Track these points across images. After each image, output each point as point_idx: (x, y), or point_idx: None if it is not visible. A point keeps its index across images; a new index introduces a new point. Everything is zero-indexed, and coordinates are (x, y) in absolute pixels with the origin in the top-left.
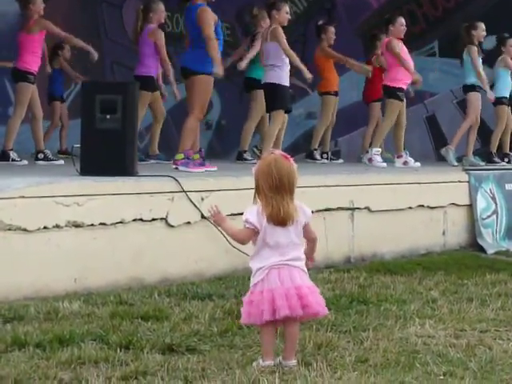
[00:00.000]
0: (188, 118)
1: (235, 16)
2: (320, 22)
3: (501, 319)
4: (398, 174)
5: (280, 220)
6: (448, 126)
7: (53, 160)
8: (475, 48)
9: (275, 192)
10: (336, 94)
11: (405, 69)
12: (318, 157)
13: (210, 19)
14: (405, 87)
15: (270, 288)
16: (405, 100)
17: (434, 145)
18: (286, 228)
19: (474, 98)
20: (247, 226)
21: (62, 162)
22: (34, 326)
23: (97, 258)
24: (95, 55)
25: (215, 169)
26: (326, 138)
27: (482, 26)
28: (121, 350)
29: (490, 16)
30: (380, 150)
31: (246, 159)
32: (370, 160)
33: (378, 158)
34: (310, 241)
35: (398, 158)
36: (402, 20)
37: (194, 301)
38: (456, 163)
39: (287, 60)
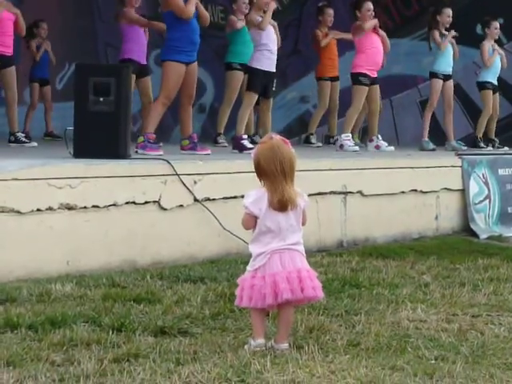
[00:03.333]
0: (154, 102)
1: None
2: (320, 4)
3: (493, 304)
4: (390, 159)
5: (282, 205)
6: (441, 110)
7: (24, 142)
8: (436, 32)
9: (277, 177)
10: (333, 79)
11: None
12: (314, 141)
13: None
14: (369, 73)
15: (272, 273)
16: (377, 87)
17: None
18: (286, 212)
19: (435, 84)
20: (247, 212)
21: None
22: (27, 308)
23: (89, 240)
24: None
25: (208, 152)
26: (332, 123)
27: (448, 11)
28: (113, 333)
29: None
30: (349, 135)
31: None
32: (341, 146)
33: (349, 143)
34: (303, 219)
35: (369, 141)
36: (369, 5)
37: (187, 284)
38: (432, 146)
39: (269, 45)
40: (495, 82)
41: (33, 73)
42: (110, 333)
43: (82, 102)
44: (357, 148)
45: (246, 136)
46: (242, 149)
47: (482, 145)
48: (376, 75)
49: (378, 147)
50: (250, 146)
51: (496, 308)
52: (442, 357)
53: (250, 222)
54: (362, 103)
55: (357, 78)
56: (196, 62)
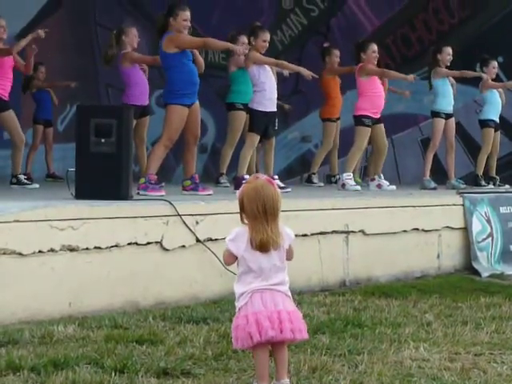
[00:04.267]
0: (156, 144)
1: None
2: (325, 45)
3: (495, 342)
4: (392, 198)
5: (263, 245)
6: (442, 149)
7: (26, 184)
8: (439, 68)
9: (259, 217)
10: (337, 119)
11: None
12: (316, 180)
13: (179, 34)
14: (373, 115)
15: (254, 311)
16: (382, 126)
17: None
18: (269, 253)
19: (437, 124)
20: (227, 248)
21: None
22: (29, 350)
23: (91, 281)
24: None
25: (210, 192)
26: (334, 162)
27: (448, 49)
28: (115, 374)
29: (485, 38)
30: (351, 174)
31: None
32: (343, 185)
33: (351, 182)
34: (289, 256)
35: (371, 181)
36: (374, 47)
37: (189, 324)
38: (434, 185)
39: (267, 85)
40: (497, 120)
41: (36, 115)
42: (113, 374)
43: (84, 144)
44: (358, 187)
45: (247, 176)
46: None
47: (483, 183)
48: (379, 116)
49: (379, 186)
50: None
51: (498, 346)
52: None
53: (229, 258)
54: (365, 144)
55: (359, 120)
56: (197, 102)
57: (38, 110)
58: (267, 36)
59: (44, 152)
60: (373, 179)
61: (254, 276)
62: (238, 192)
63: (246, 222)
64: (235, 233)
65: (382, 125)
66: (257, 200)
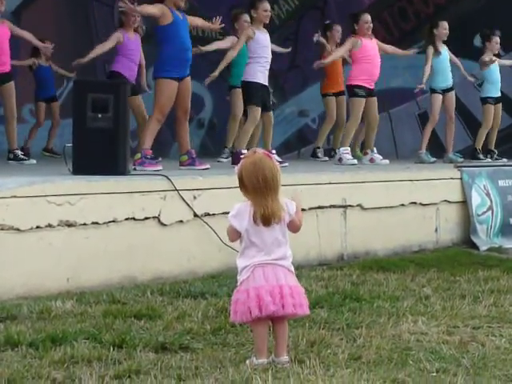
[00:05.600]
0: (149, 119)
1: (227, 15)
2: (327, 22)
3: (493, 316)
4: (390, 172)
5: (265, 219)
6: (440, 123)
7: (23, 160)
8: (431, 49)
9: (260, 191)
10: (338, 93)
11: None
12: (321, 155)
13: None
14: (366, 84)
15: (256, 286)
16: (375, 100)
17: None
18: (271, 226)
19: (433, 99)
20: (230, 224)
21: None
22: (27, 326)
23: (89, 257)
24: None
25: (208, 167)
26: (337, 137)
27: (444, 24)
28: (114, 349)
29: (483, 12)
30: (348, 148)
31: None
32: (340, 159)
33: (347, 156)
34: (294, 228)
35: (364, 155)
36: (365, 17)
37: (187, 299)
38: (432, 159)
39: (261, 58)
40: (497, 95)
41: (38, 92)
42: (111, 349)
43: (81, 119)
44: (355, 161)
45: (245, 151)
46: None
47: (480, 156)
48: (373, 87)
49: (372, 160)
50: None
51: (497, 320)
52: (444, 369)
53: (233, 234)
54: (360, 115)
55: (353, 91)
56: (189, 77)
57: (40, 87)
58: (267, 6)
59: (46, 127)
60: (366, 153)
61: (256, 250)
62: (236, 167)
63: (247, 197)
64: (237, 209)
65: (376, 98)
66: (256, 173)
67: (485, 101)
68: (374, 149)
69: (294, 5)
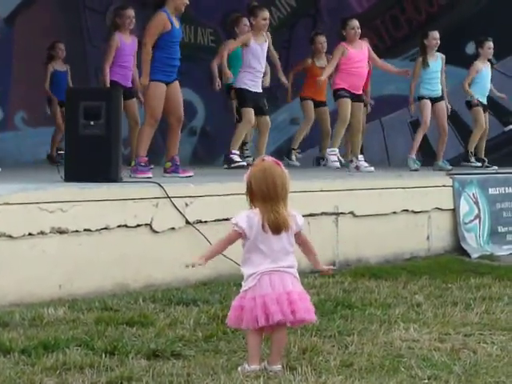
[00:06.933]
0: (142, 125)
1: (220, 22)
2: (313, 33)
3: (485, 323)
4: (382, 179)
5: (276, 227)
6: (432, 131)
7: None
8: (420, 60)
9: (269, 199)
10: (319, 103)
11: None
12: (293, 158)
13: (152, 26)
14: (350, 89)
15: (262, 294)
16: (361, 105)
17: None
18: (279, 235)
19: (422, 105)
20: (235, 228)
21: None
22: (19, 333)
23: (82, 264)
24: None
25: (191, 174)
26: (325, 145)
27: (434, 34)
28: (106, 356)
29: (474, 19)
30: (335, 149)
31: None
32: (357, 167)
33: (332, 158)
34: (304, 244)
35: (350, 162)
36: (352, 23)
37: (179, 306)
38: (416, 166)
39: (252, 68)
40: (483, 101)
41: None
42: (103, 356)
43: (73, 126)
44: (337, 165)
45: (236, 152)
46: (230, 162)
47: (472, 159)
48: (359, 93)
49: (357, 168)
50: (237, 159)
51: (488, 327)
52: (435, 376)
53: (233, 239)
54: (348, 116)
55: (336, 93)
56: (177, 82)
57: (56, 90)
58: (266, 14)
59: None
60: (351, 161)
61: (262, 257)
62: (245, 175)
63: (253, 206)
64: (246, 215)
65: (362, 104)
66: (265, 181)
67: (471, 104)
68: (360, 156)
69: (286, 12)
